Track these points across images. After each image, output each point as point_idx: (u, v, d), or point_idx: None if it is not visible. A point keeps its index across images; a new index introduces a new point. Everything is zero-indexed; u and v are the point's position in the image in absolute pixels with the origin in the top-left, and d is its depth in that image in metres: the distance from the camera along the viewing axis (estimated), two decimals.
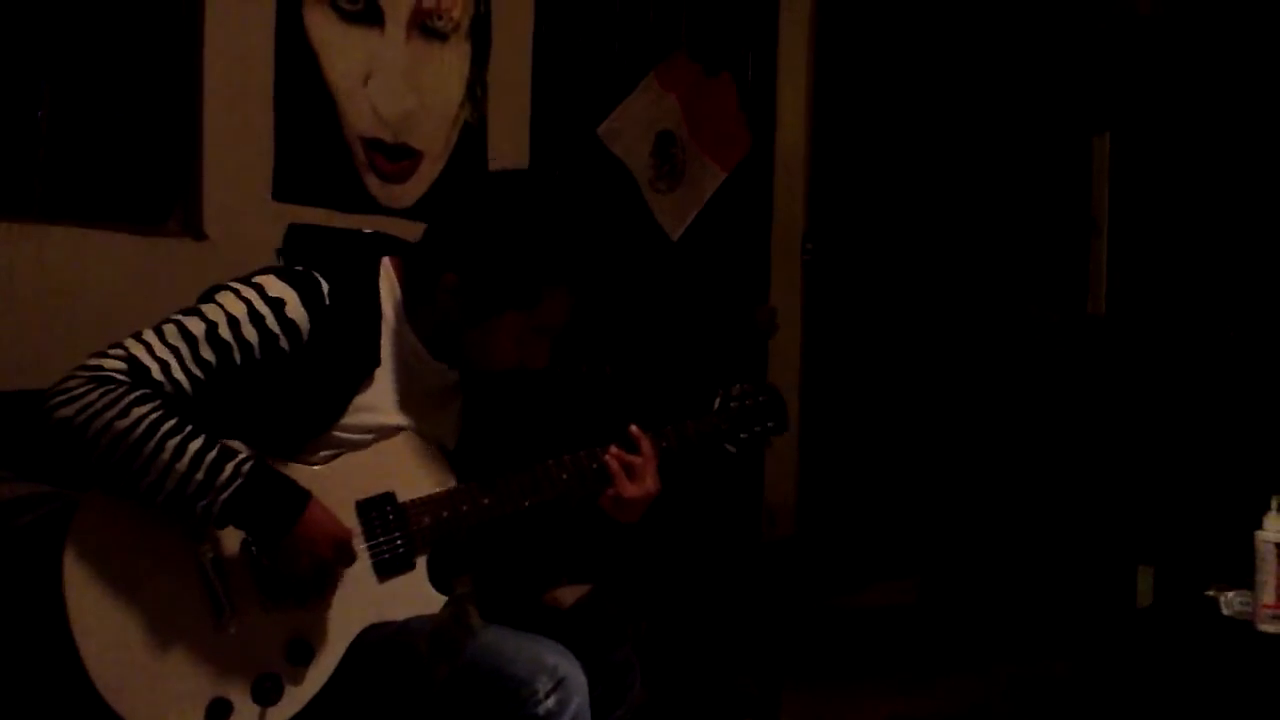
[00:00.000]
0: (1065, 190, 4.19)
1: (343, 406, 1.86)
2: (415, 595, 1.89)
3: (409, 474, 1.91)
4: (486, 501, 1.94)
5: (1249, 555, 2.62)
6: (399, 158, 3.09)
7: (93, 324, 2.41)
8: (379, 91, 3.02)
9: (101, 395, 1.65)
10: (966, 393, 4.37)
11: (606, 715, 1.95)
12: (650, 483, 1.98)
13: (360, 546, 1.85)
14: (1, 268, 2.39)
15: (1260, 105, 3.76)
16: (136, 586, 1.71)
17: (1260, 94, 3.76)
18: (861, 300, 4.40)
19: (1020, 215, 4.32)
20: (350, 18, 2.96)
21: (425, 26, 3.12)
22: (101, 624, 1.68)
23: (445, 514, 1.91)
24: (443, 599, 1.85)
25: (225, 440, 1.73)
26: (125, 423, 1.65)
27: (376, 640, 1.85)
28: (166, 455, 1.66)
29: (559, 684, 1.79)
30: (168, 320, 1.77)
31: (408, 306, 1.93)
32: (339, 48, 2.93)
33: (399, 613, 1.87)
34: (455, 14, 3.19)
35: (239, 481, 1.69)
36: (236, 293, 1.80)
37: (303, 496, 1.76)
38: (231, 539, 1.77)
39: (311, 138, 2.89)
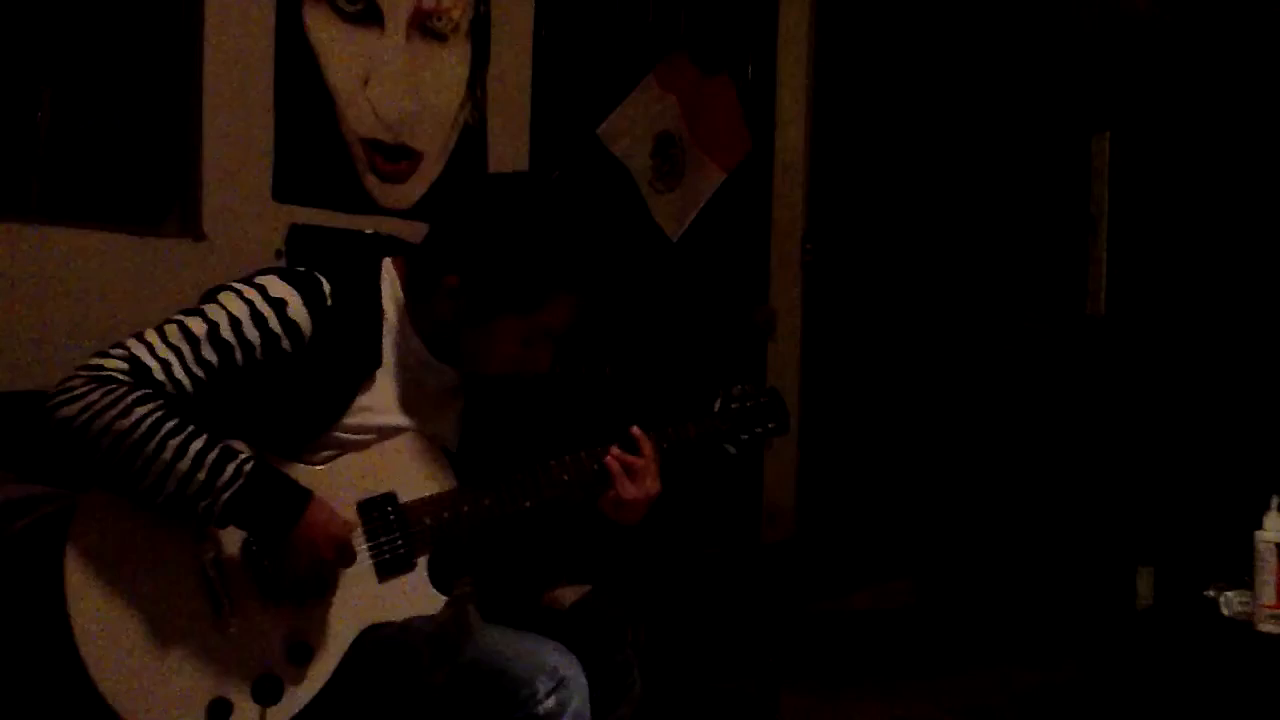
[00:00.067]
0: (1064, 190, 4.19)
1: (344, 407, 1.86)
2: (416, 595, 1.89)
3: (410, 474, 1.91)
4: (487, 502, 1.94)
5: (1249, 555, 2.63)
6: (398, 158, 3.09)
7: (92, 325, 2.42)
8: (378, 92, 3.02)
9: (104, 395, 1.65)
10: (966, 393, 4.36)
11: (606, 715, 1.95)
12: (651, 484, 1.98)
13: (361, 546, 1.85)
14: (0, 269, 2.39)
15: (1260, 104, 3.76)
16: (137, 587, 1.70)
17: (1260, 93, 3.76)
18: (861, 301, 4.40)
19: (1019, 215, 4.32)
20: (350, 18, 2.96)
21: (425, 27, 3.12)
22: (102, 625, 1.68)
23: (446, 514, 1.91)
24: (443, 599, 1.85)
25: (227, 440, 1.73)
26: (127, 422, 1.65)
27: (377, 640, 1.85)
28: (168, 455, 1.66)
29: (559, 684, 1.79)
30: (169, 320, 1.77)
31: (410, 308, 1.93)
32: (339, 48, 2.93)
33: (399, 613, 1.87)
34: (455, 15, 3.19)
35: (240, 481, 1.69)
36: (239, 293, 1.80)
37: (304, 496, 1.76)
38: (231, 539, 1.77)
39: (311, 138, 2.89)
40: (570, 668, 1.82)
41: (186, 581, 1.74)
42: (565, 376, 3.07)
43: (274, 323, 1.79)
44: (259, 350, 1.78)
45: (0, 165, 2.42)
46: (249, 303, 1.79)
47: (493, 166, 3.28)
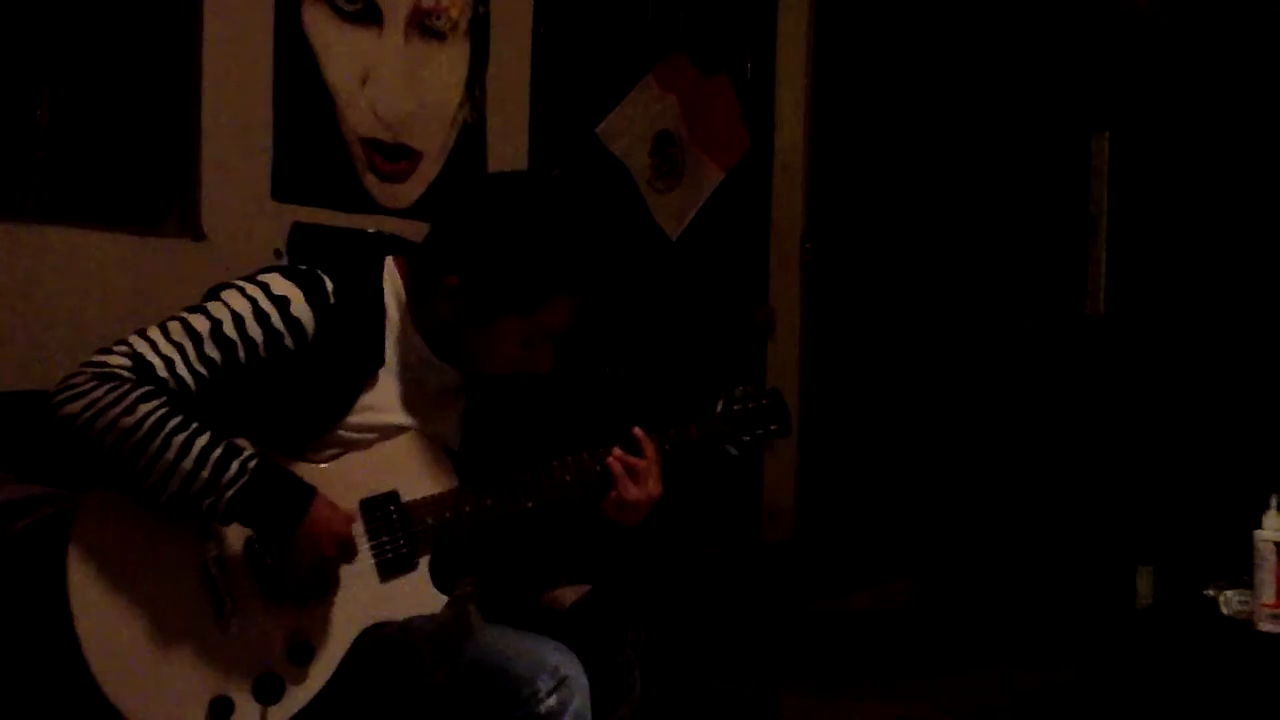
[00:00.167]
0: (1064, 189, 4.19)
1: (347, 405, 1.86)
2: (417, 595, 1.89)
3: (412, 474, 1.91)
4: (489, 502, 1.94)
5: (1248, 554, 2.63)
6: (397, 157, 3.08)
7: (92, 325, 2.42)
8: (377, 91, 3.01)
9: (107, 392, 1.65)
10: (966, 393, 4.37)
11: (607, 714, 1.95)
12: (653, 486, 1.98)
13: (363, 545, 1.85)
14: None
15: (1260, 104, 3.76)
16: (139, 586, 1.70)
17: (1260, 93, 3.76)
18: (860, 300, 4.40)
19: (1019, 214, 4.32)
20: (349, 17, 2.95)
21: (424, 26, 3.12)
22: (104, 623, 1.67)
23: (448, 514, 1.91)
24: (444, 599, 1.85)
25: (230, 438, 1.73)
26: (131, 420, 1.64)
27: (378, 640, 1.85)
28: (172, 452, 1.65)
29: (560, 683, 1.79)
30: (173, 317, 1.77)
31: (412, 307, 1.93)
32: (338, 47, 2.93)
33: (401, 612, 1.87)
34: (454, 13, 3.19)
35: (245, 479, 1.69)
36: (241, 291, 1.80)
37: (308, 493, 1.76)
38: (234, 538, 1.77)
39: (310, 137, 2.89)
40: (571, 667, 1.82)
41: (188, 580, 1.73)
42: (566, 376, 3.07)
43: (277, 320, 1.79)
44: (262, 348, 1.78)
45: None
46: (252, 300, 1.79)
47: (492, 166, 3.28)
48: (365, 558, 1.85)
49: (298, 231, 2.81)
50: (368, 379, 1.88)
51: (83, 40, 2.52)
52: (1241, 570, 2.67)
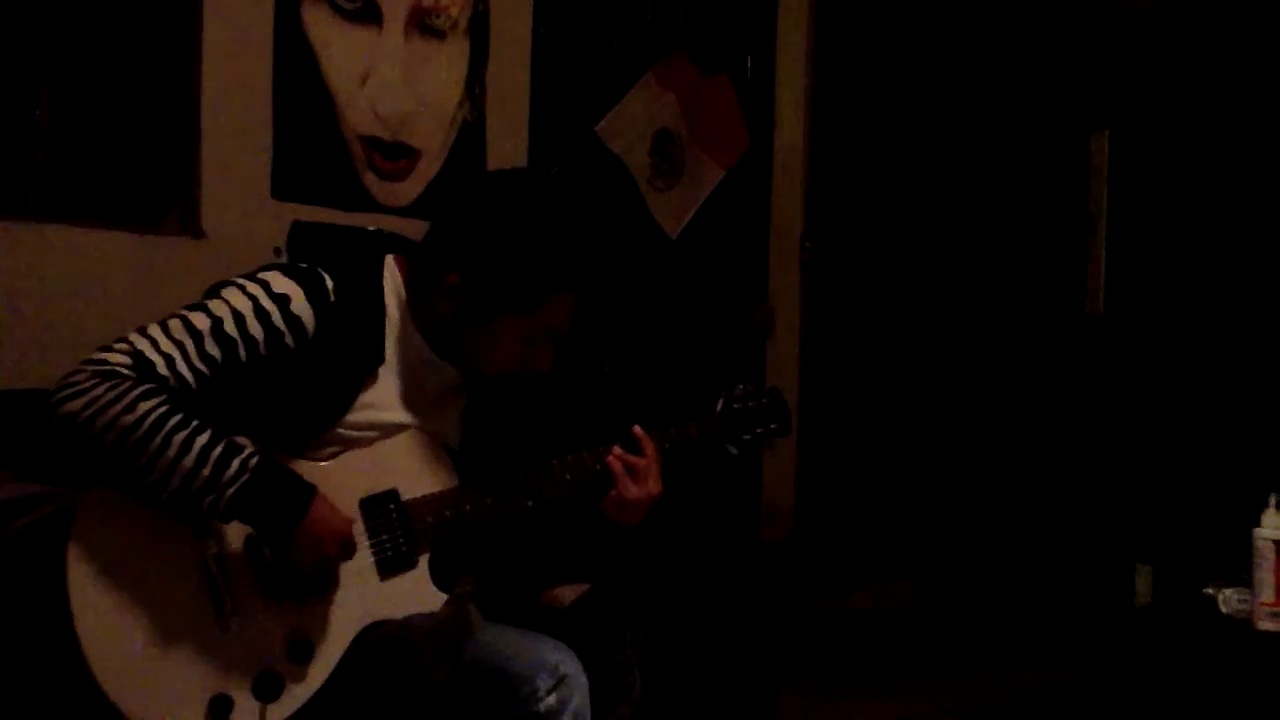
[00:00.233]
0: (1064, 188, 4.19)
1: (347, 404, 1.86)
2: (417, 593, 1.89)
3: (412, 472, 1.91)
4: (489, 501, 1.94)
5: (1247, 553, 2.63)
6: (397, 156, 3.08)
7: (92, 323, 2.41)
8: (377, 90, 3.01)
9: (108, 390, 1.65)
10: (965, 392, 4.37)
11: (607, 713, 1.95)
12: (653, 485, 1.99)
13: (363, 544, 1.85)
14: None
15: (1260, 103, 3.76)
16: (139, 584, 1.70)
17: (1259, 92, 3.76)
18: (860, 299, 4.40)
19: (1018, 213, 4.32)
20: (349, 16, 2.95)
21: (424, 24, 3.12)
22: (104, 622, 1.67)
23: (448, 513, 1.91)
24: (444, 597, 1.86)
25: (231, 436, 1.73)
26: (131, 417, 1.64)
27: (378, 638, 1.85)
28: (173, 450, 1.65)
29: (560, 681, 1.80)
30: (173, 315, 1.77)
31: (412, 305, 1.93)
32: (337, 46, 2.93)
33: (400, 611, 1.87)
34: (454, 12, 3.19)
35: (246, 476, 1.69)
36: (242, 288, 1.80)
37: (309, 491, 1.76)
38: (233, 536, 1.77)
39: (310, 136, 2.88)
40: (571, 665, 1.82)
41: (189, 579, 1.73)
42: (565, 375, 3.07)
43: (277, 318, 1.79)
44: (263, 345, 1.78)
45: None
46: (252, 298, 1.79)
47: (491, 164, 3.28)
48: (365, 556, 1.85)
49: (297, 230, 2.80)
50: (368, 377, 1.88)
51: (82, 39, 2.51)
52: (1240, 569, 2.67)
